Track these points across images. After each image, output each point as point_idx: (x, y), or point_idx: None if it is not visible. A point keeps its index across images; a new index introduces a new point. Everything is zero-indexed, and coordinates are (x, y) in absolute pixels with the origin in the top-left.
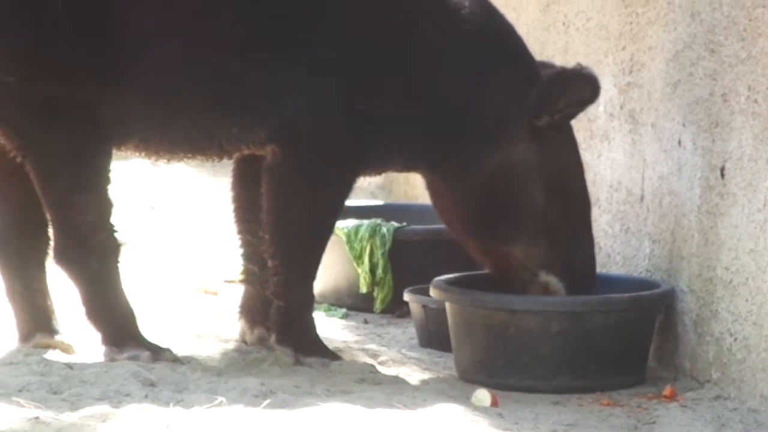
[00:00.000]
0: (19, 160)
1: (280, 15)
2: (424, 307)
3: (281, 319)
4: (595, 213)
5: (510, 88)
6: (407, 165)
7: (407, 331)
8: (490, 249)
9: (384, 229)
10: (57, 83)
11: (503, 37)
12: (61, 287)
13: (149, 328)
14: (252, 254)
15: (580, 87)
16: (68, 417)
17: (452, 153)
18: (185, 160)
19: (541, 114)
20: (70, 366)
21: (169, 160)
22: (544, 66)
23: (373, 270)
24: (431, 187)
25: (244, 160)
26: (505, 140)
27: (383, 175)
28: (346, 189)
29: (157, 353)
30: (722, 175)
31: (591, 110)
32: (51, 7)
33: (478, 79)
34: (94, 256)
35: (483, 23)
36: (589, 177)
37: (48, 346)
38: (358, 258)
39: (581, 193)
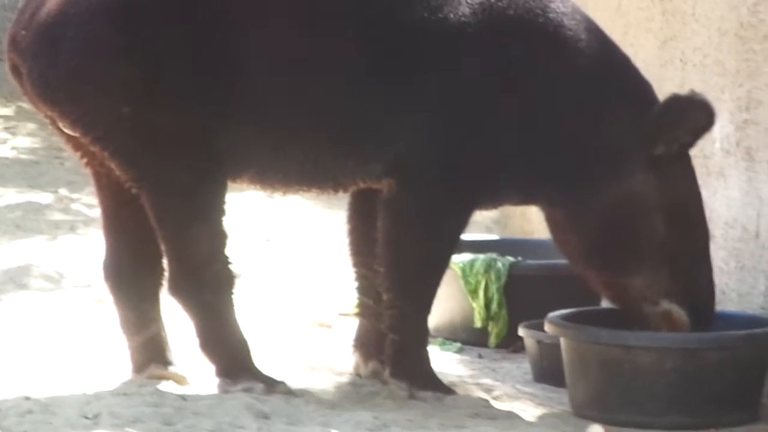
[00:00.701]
0: (134, 191)
1: (395, 50)
2: (538, 342)
3: (396, 353)
4: (711, 249)
5: (627, 119)
6: (524, 198)
7: (521, 366)
8: (612, 280)
9: (499, 264)
10: (173, 114)
11: (620, 69)
12: (175, 318)
13: (263, 361)
14: (367, 287)
15: (694, 114)
16: None
17: (571, 186)
18: (300, 192)
19: (657, 142)
20: (183, 397)
21: (284, 193)
22: None
23: (488, 304)
24: (551, 219)
25: (359, 194)
26: (624, 171)
27: (499, 209)
28: (463, 222)
29: (271, 386)
30: None
31: (707, 147)
32: (166, 37)
33: (596, 112)
34: (209, 288)
35: (599, 55)
36: (705, 214)
37: (162, 377)
38: (473, 292)
39: (700, 221)
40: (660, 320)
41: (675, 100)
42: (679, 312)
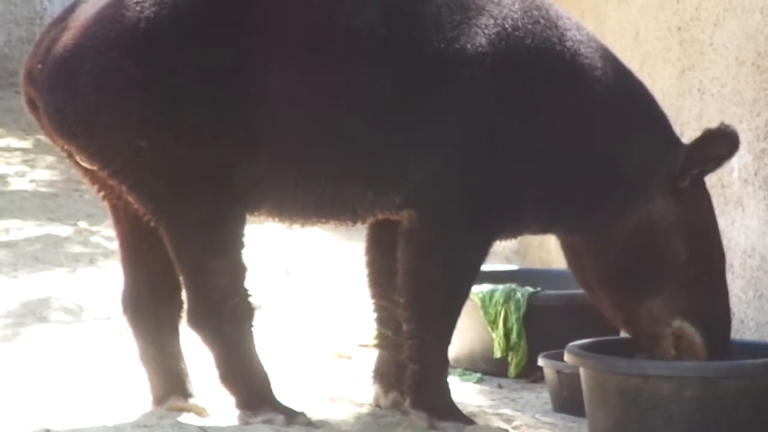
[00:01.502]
0: (152, 224)
1: (414, 82)
2: (558, 372)
3: (416, 383)
4: (729, 279)
5: (645, 146)
6: (544, 228)
7: (541, 396)
8: (628, 303)
9: (518, 294)
10: (191, 147)
11: (637, 97)
12: (195, 350)
13: (283, 392)
14: (386, 318)
15: (722, 144)
16: None
17: (591, 214)
18: (318, 224)
19: (687, 175)
20: (204, 429)
21: (302, 225)
22: None
23: (507, 335)
24: (568, 246)
25: (378, 225)
26: (645, 197)
27: (518, 240)
28: (483, 253)
29: (292, 417)
30: None
31: (725, 176)
32: (184, 70)
33: (615, 140)
34: (228, 320)
35: (615, 82)
36: (723, 243)
37: (182, 409)
38: (493, 323)
39: (717, 244)
40: (673, 341)
41: (707, 136)
42: (690, 330)
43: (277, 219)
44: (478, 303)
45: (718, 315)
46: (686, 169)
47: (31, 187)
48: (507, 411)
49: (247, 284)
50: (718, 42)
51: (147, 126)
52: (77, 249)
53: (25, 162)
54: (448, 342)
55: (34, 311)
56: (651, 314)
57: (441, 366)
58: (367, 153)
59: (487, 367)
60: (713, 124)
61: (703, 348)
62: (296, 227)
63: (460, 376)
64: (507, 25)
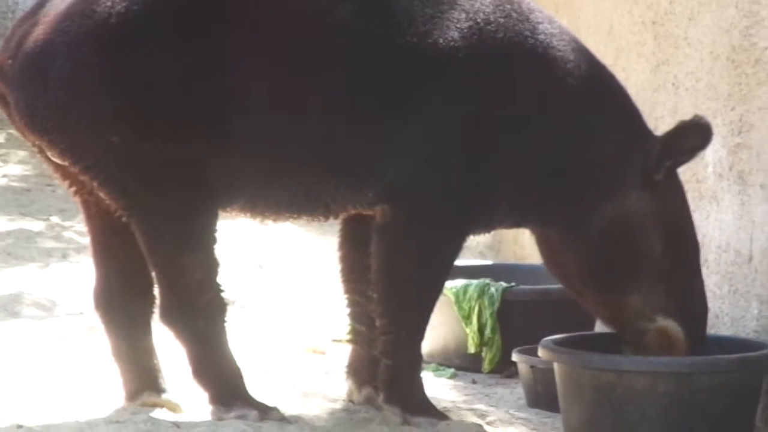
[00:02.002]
0: (124, 219)
1: (386, 77)
2: (532, 367)
3: (389, 379)
4: (704, 274)
5: (618, 139)
6: (518, 222)
7: (515, 392)
8: (608, 299)
9: (493, 289)
10: (162, 143)
11: (610, 91)
12: (168, 346)
13: (256, 387)
14: (360, 314)
15: (696, 136)
16: None
17: (564, 208)
18: (291, 220)
19: (661, 168)
20: (177, 425)
21: (275, 221)
22: None
23: (481, 330)
24: (543, 241)
25: (351, 220)
26: (618, 191)
27: (492, 234)
28: (456, 248)
29: (265, 412)
30: None
31: (700, 171)
32: (156, 66)
33: (586, 134)
34: (201, 316)
35: (590, 77)
36: (698, 238)
37: (155, 405)
38: (467, 318)
39: (691, 236)
40: (656, 337)
41: (681, 127)
42: (675, 328)
43: (249, 215)
44: (452, 298)
45: (696, 308)
46: (661, 162)
47: (3, 182)
48: (481, 406)
49: (219, 279)
50: (692, 36)
51: (118, 121)
52: (50, 244)
53: None
54: (421, 337)
55: (7, 306)
56: (632, 310)
57: (414, 361)
58: (340, 149)
59: (461, 363)
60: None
61: (684, 342)
62: (269, 223)
63: (433, 371)
64: (479, 19)
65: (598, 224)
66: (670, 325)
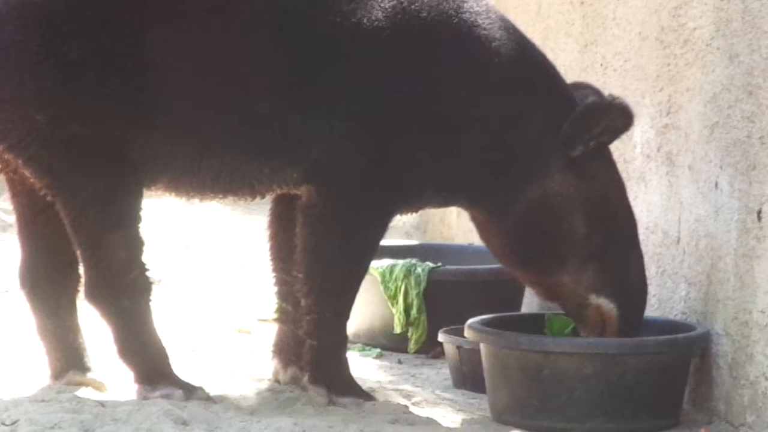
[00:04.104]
0: (49, 198)
1: (309, 56)
2: (458, 347)
3: (314, 359)
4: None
5: (544, 119)
6: (444, 201)
7: (441, 372)
8: (538, 279)
9: (419, 269)
10: (85, 121)
11: (537, 69)
12: (93, 325)
13: (182, 367)
14: (286, 293)
15: (613, 116)
16: None
17: (488, 188)
18: (216, 200)
19: (575, 144)
20: (102, 404)
21: (200, 200)
22: (579, 87)
23: (407, 310)
24: (475, 220)
25: (282, 199)
26: (542, 171)
27: (418, 215)
28: (382, 228)
29: (190, 392)
30: (759, 218)
31: (628, 152)
32: (81, 45)
33: (512, 113)
34: (126, 295)
35: (517, 56)
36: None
37: (80, 384)
38: (393, 298)
39: (625, 213)
40: (593, 316)
41: (593, 105)
42: (608, 306)
43: (174, 194)
44: (378, 278)
45: (631, 285)
46: (573, 140)
47: None
48: (407, 387)
49: (145, 258)
50: (621, 16)
51: (42, 100)
52: None
53: None
54: (347, 317)
55: None
56: (566, 289)
57: (340, 341)
58: (264, 128)
59: (387, 343)
60: None
61: (617, 320)
62: (195, 202)
63: (359, 351)
64: None
65: (521, 205)
66: (603, 302)
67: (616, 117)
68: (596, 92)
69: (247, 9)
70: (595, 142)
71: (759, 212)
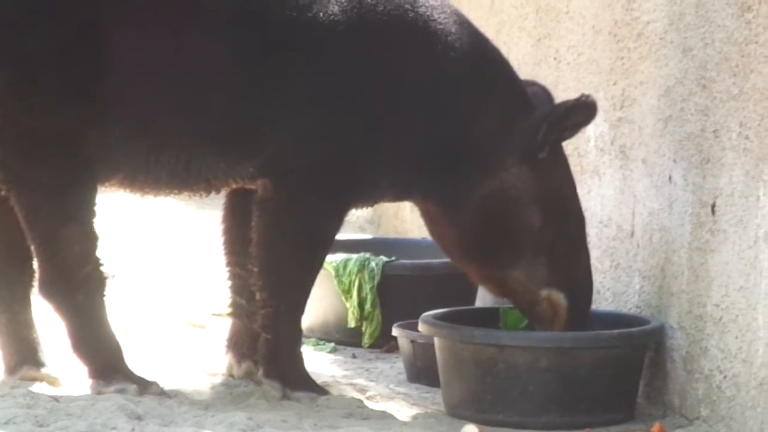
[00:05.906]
0: (3, 193)
1: (265, 50)
2: (412, 342)
3: (269, 353)
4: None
5: (499, 114)
6: (399, 195)
7: (395, 366)
8: (490, 274)
9: (373, 264)
10: (39, 116)
11: (491, 64)
12: (47, 320)
13: (136, 362)
14: (240, 287)
15: (580, 114)
16: None
17: (444, 181)
18: (171, 196)
19: (545, 146)
20: (56, 399)
21: (155, 196)
22: (528, 85)
23: (361, 304)
24: (426, 214)
25: (235, 194)
26: (497, 165)
27: (372, 209)
28: (337, 222)
29: (144, 386)
30: (713, 212)
31: (582, 146)
32: (35, 38)
33: (467, 107)
34: (80, 289)
35: (472, 50)
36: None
37: (34, 379)
38: (347, 292)
39: (575, 209)
40: (545, 309)
41: (564, 107)
42: (557, 296)
43: (129, 190)
44: (332, 272)
45: (580, 279)
46: (546, 140)
47: None
48: (361, 381)
49: (99, 253)
50: (574, 10)
51: None
52: None
53: None
54: (301, 311)
55: None
56: (516, 283)
57: (294, 335)
58: (219, 122)
59: (341, 337)
60: (569, 93)
61: (567, 313)
62: (149, 198)
63: (313, 345)
64: None
65: (477, 199)
66: (554, 296)
67: (580, 111)
68: (544, 90)
69: (202, 3)
70: (557, 138)
71: (713, 206)
